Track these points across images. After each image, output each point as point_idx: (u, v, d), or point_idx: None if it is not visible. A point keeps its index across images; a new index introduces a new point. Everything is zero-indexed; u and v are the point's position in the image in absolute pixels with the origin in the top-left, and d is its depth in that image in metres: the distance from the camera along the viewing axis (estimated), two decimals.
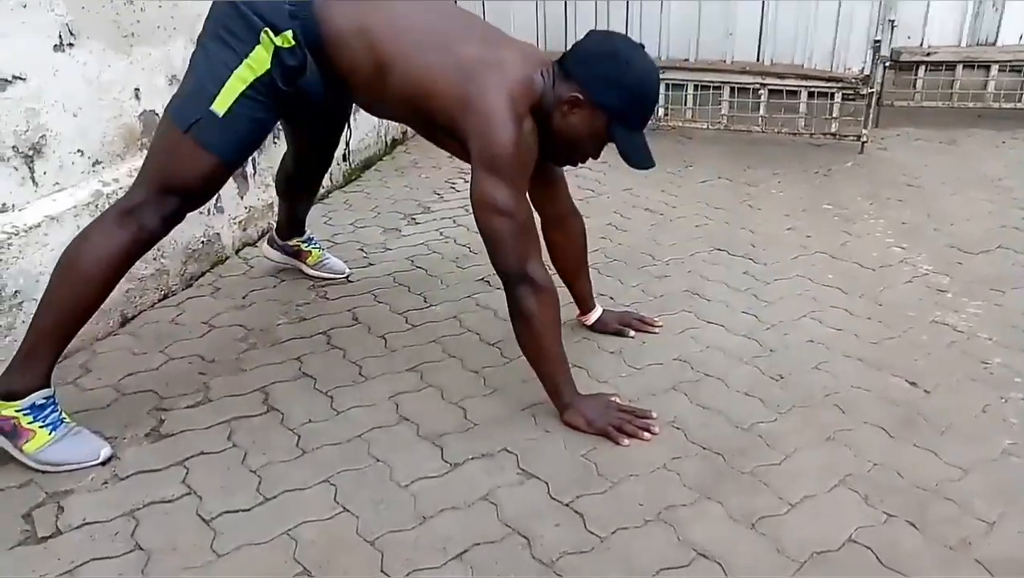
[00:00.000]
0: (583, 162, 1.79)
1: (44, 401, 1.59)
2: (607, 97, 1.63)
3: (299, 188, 2.36)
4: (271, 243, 2.49)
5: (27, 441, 1.57)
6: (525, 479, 1.57)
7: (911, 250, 2.64)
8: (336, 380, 1.92)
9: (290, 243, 2.46)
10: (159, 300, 2.32)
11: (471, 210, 1.64)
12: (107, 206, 2.12)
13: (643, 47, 1.69)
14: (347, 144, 2.04)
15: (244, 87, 1.62)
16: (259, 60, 1.62)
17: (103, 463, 1.60)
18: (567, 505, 1.50)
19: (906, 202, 3.10)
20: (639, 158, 1.67)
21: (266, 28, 1.60)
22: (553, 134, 1.70)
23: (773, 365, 1.97)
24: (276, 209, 2.77)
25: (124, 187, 2.19)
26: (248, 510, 1.48)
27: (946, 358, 2.00)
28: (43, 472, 1.57)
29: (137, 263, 2.22)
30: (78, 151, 2.10)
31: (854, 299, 2.31)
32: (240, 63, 1.61)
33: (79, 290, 1.59)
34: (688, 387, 1.88)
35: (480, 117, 1.59)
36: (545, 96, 1.66)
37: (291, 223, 2.43)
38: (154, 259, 2.31)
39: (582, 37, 1.72)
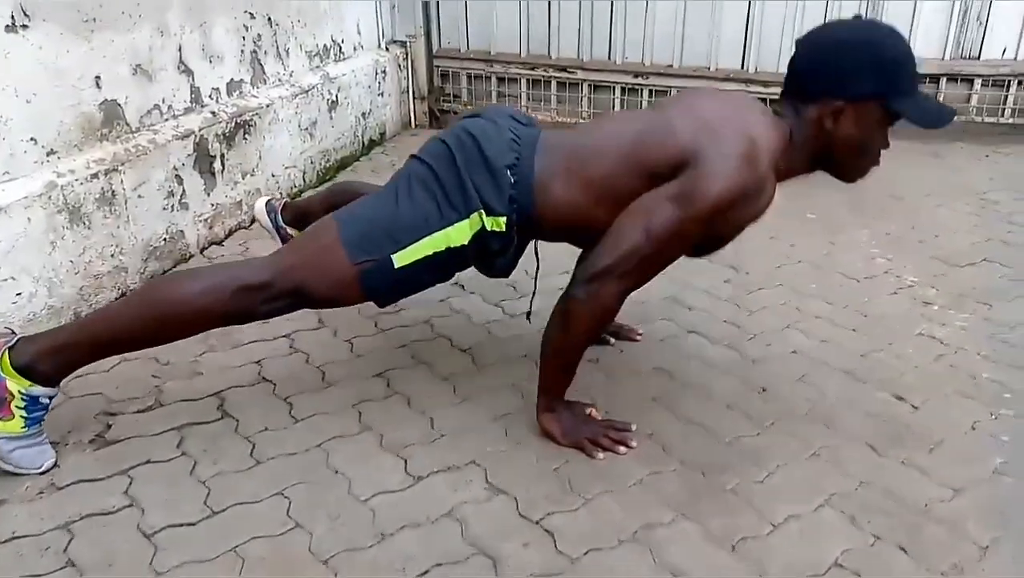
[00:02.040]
0: (877, 162, 1.59)
1: (47, 401, 1.51)
2: (862, 86, 1.45)
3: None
4: (270, 210, 2.35)
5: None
6: (493, 494, 1.48)
7: (896, 261, 2.59)
8: (297, 385, 1.82)
9: (288, 229, 2.33)
10: (116, 298, 2.21)
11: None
12: (61, 198, 2.02)
13: (859, 17, 1.55)
14: (531, 304, 1.90)
15: (431, 253, 1.54)
16: (460, 233, 1.54)
17: (43, 472, 1.49)
18: (537, 523, 1.40)
19: (890, 213, 3.05)
20: (937, 117, 1.46)
21: (482, 209, 1.53)
22: (833, 156, 1.54)
23: (756, 377, 1.89)
24: (281, 196, 2.67)
25: (81, 179, 2.09)
26: (194, 524, 1.38)
27: (933, 372, 1.93)
28: None
29: (94, 258, 2.14)
30: (31, 139, 1.98)
31: (839, 310, 2.25)
32: (440, 228, 1.53)
33: (153, 327, 1.52)
34: (668, 399, 1.80)
35: (710, 157, 1.42)
36: (795, 131, 1.51)
37: (304, 218, 2.30)
38: (112, 256, 2.20)
39: (793, 56, 1.53)
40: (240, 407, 1.73)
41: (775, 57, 3.77)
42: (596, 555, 1.33)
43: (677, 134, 1.48)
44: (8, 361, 1.45)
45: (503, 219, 1.54)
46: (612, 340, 2.03)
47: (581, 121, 3.97)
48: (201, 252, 2.55)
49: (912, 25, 3.94)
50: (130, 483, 1.48)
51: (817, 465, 1.59)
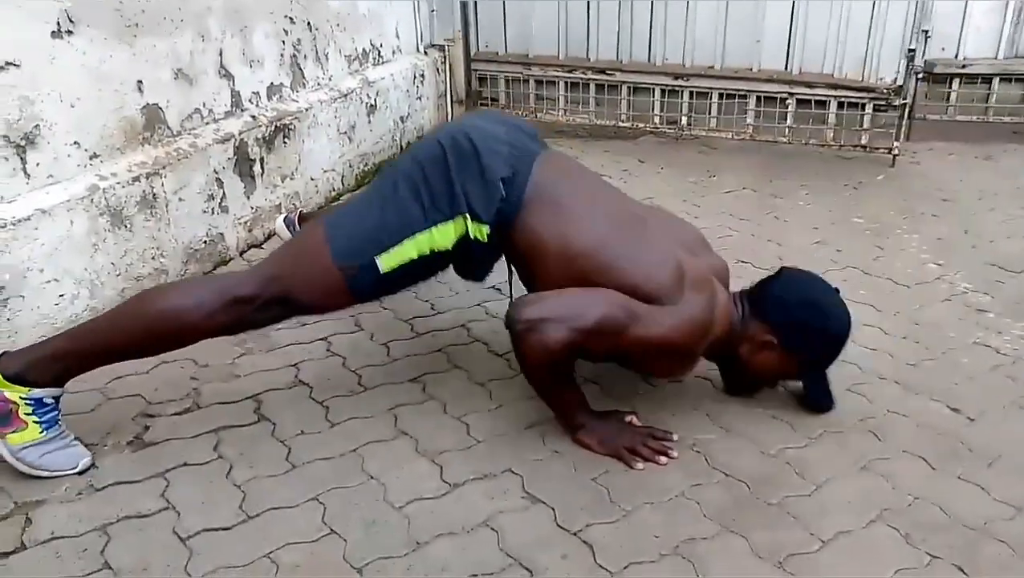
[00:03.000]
0: (753, 394, 1.77)
1: (52, 400, 1.51)
2: (803, 347, 1.64)
3: None
4: (288, 225, 2.38)
5: (15, 431, 1.47)
6: (530, 504, 1.44)
7: (948, 267, 2.50)
8: (333, 389, 1.80)
9: None
10: None
11: None
12: (103, 201, 2.04)
13: (837, 291, 1.68)
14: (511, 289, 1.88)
15: (416, 255, 1.54)
16: (444, 236, 1.54)
17: (81, 473, 1.50)
18: (575, 534, 1.37)
19: (941, 217, 2.95)
20: (824, 403, 1.71)
21: (468, 213, 1.53)
22: (737, 366, 1.70)
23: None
24: (302, 205, 2.71)
25: (122, 182, 2.11)
26: (228, 529, 1.37)
27: (990, 383, 1.85)
28: (14, 476, 1.46)
29: (135, 261, 2.16)
30: (74, 143, 2.01)
31: (888, 317, 2.17)
32: (425, 229, 1.53)
33: (145, 339, 1.53)
34: (711, 407, 1.74)
35: (671, 310, 1.51)
36: (734, 328, 1.64)
37: None
38: (152, 258, 2.21)
39: (776, 274, 1.72)
40: (277, 410, 1.72)
41: (819, 58, 3.68)
42: (637, 569, 1.29)
43: (654, 279, 1.53)
44: (0, 375, 1.46)
45: (486, 228, 1.54)
46: None
47: (619, 125, 3.92)
48: (240, 255, 2.56)
49: (963, 24, 3.83)
50: (167, 486, 1.48)
51: (868, 479, 1.52)
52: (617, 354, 1.58)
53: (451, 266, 1.66)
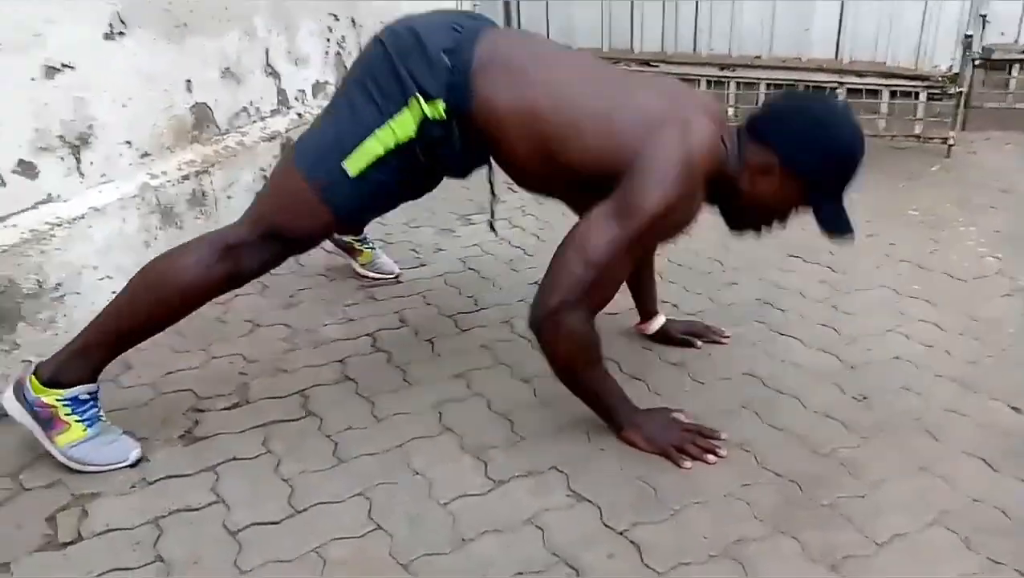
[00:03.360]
0: (769, 230, 1.61)
1: (87, 396, 1.54)
2: (804, 162, 1.46)
3: None
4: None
5: (60, 433, 1.51)
6: (575, 502, 1.43)
7: (1008, 261, 2.41)
8: (379, 385, 1.81)
9: (344, 238, 2.38)
10: None
11: (563, 242, 1.45)
12: (154, 200, 2.08)
13: (847, 106, 1.53)
14: (492, 209, 1.88)
15: (383, 152, 1.50)
16: (404, 126, 1.49)
17: (132, 465, 1.53)
18: (622, 533, 1.35)
19: (1000, 209, 2.85)
20: (839, 228, 1.51)
21: (418, 94, 1.48)
22: (740, 201, 1.55)
23: (855, 384, 1.78)
24: None
25: (172, 180, 2.15)
26: (277, 523, 1.38)
27: None
28: (70, 469, 1.50)
29: None
30: (126, 142, 2.05)
31: (945, 313, 2.10)
32: (383, 123, 1.49)
33: (158, 309, 1.54)
34: (760, 405, 1.71)
35: (645, 165, 1.40)
36: (729, 162, 1.51)
37: None
38: None
39: (772, 98, 1.55)
40: (323, 406, 1.74)
41: (871, 47, 3.59)
42: (685, 570, 1.27)
43: (617, 135, 1.43)
44: (36, 381, 1.50)
45: (441, 104, 1.47)
46: (699, 343, 1.95)
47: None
48: None
49: (1023, 8, 3.69)
50: (216, 480, 1.50)
51: (924, 480, 1.48)
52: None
53: (431, 167, 1.58)
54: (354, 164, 1.49)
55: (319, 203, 1.52)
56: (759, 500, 1.42)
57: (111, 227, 1.97)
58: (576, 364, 1.51)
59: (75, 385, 1.51)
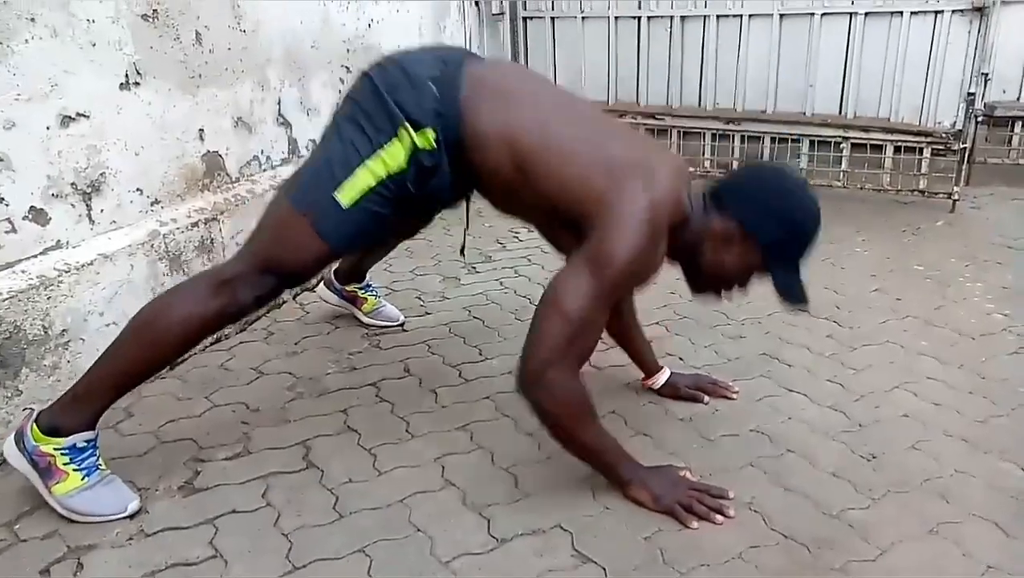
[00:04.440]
0: (729, 295, 1.65)
1: (85, 444, 1.53)
2: (764, 230, 1.52)
3: (374, 249, 2.32)
4: (328, 284, 2.42)
5: (58, 482, 1.50)
6: (580, 562, 1.40)
7: (1015, 317, 2.40)
8: (381, 436, 1.80)
9: (347, 288, 2.39)
10: (211, 344, 2.26)
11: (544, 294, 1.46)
12: (163, 247, 2.09)
13: (805, 180, 1.57)
14: (464, 237, 1.90)
15: (374, 182, 1.51)
16: (394, 156, 1.51)
17: (130, 517, 1.51)
18: None
19: (1006, 265, 2.85)
20: (794, 297, 1.56)
21: (407, 123, 1.50)
22: (700, 264, 1.59)
23: (864, 442, 1.76)
24: None
25: (182, 227, 2.16)
26: None
27: None
28: (67, 519, 1.48)
29: None
30: (137, 189, 2.07)
31: (953, 370, 2.08)
32: (373, 154, 1.51)
33: (151, 350, 1.53)
34: (768, 464, 1.68)
35: (613, 215, 1.43)
36: (692, 221, 1.55)
37: (353, 271, 2.37)
38: None
39: (735, 169, 1.59)
40: (325, 457, 1.72)
41: (875, 101, 3.64)
42: None
43: (584, 170, 1.47)
44: (36, 430, 1.50)
45: (431, 133, 1.49)
46: (706, 398, 1.93)
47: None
48: (294, 298, 2.60)
49: None
50: (215, 533, 1.48)
51: (936, 544, 1.44)
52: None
53: (422, 198, 1.58)
54: (346, 195, 1.50)
55: (312, 234, 1.52)
56: (767, 563, 1.39)
57: (119, 273, 1.97)
58: (569, 420, 1.50)
59: (73, 433, 1.50)
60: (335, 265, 2.38)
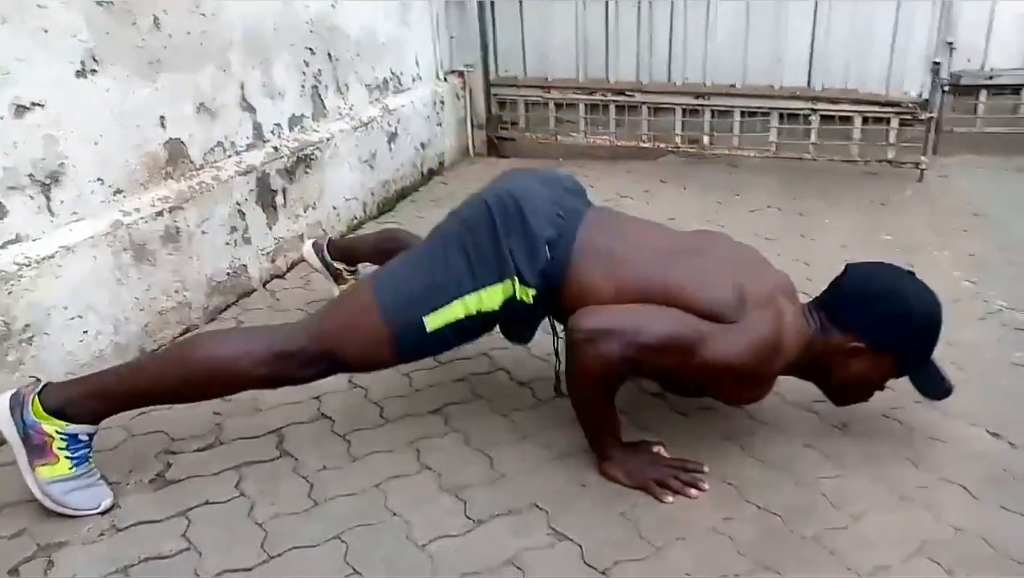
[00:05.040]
0: (866, 400, 1.66)
1: (86, 437, 1.51)
2: (892, 343, 1.53)
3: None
4: (317, 249, 2.37)
5: (46, 464, 1.47)
6: (557, 540, 1.41)
7: (983, 284, 2.43)
8: (355, 422, 1.79)
9: (336, 264, 2.35)
10: (179, 334, 2.23)
11: None
12: (127, 237, 2.05)
13: (912, 273, 1.60)
14: (556, 372, 1.81)
15: (463, 316, 1.53)
16: (492, 298, 1.53)
17: (103, 513, 1.49)
18: (603, 573, 1.33)
19: (973, 233, 2.88)
20: (938, 392, 1.59)
21: (515, 276, 1.51)
22: (835, 383, 1.61)
23: (835, 412, 1.77)
24: (327, 233, 2.70)
25: (146, 217, 2.12)
26: (249, 569, 1.35)
27: None
28: (36, 518, 1.46)
29: (159, 295, 2.17)
30: (98, 180, 2.02)
31: None
32: (473, 291, 1.52)
33: (189, 385, 1.53)
34: (742, 437, 1.70)
35: (743, 328, 1.45)
36: (813, 342, 1.56)
37: (351, 256, 2.34)
38: (176, 292, 2.22)
39: (842, 274, 1.63)
40: (299, 445, 1.71)
41: (843, 73, 3.64)
42: None
43: (713, 299, 1.47)
44: (39, 405, 1.46)
45: (532, 291, 1.52)
46: None
47: (641, 146, 3.90)
48: (264, 286, 2.57)
49: (988, 35, 3.77)
50: (188, 525, 1.46)
51: (907, 510, 1.47)
52: (674, 376, 1.56)
53: (497, 328, 1.64)
54: (434, 321, 1.52)
55: (391, 346, 1.54)
56: (742, 534, 1.41)
57: (82, 266, 1.93)
58: (596, 383, 1.51)
59: (81, 423, 1.49)
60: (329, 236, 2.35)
